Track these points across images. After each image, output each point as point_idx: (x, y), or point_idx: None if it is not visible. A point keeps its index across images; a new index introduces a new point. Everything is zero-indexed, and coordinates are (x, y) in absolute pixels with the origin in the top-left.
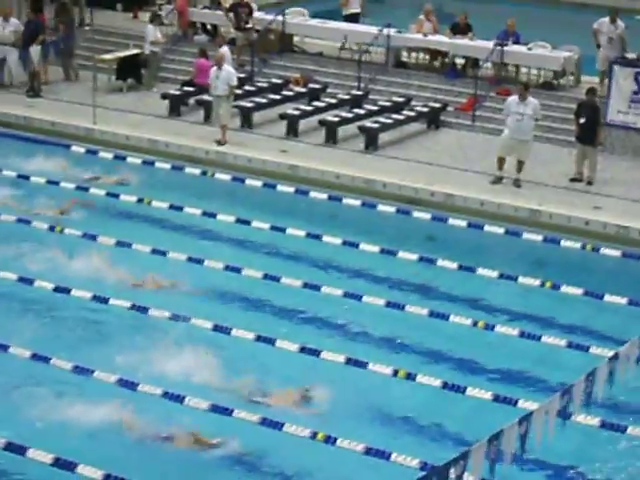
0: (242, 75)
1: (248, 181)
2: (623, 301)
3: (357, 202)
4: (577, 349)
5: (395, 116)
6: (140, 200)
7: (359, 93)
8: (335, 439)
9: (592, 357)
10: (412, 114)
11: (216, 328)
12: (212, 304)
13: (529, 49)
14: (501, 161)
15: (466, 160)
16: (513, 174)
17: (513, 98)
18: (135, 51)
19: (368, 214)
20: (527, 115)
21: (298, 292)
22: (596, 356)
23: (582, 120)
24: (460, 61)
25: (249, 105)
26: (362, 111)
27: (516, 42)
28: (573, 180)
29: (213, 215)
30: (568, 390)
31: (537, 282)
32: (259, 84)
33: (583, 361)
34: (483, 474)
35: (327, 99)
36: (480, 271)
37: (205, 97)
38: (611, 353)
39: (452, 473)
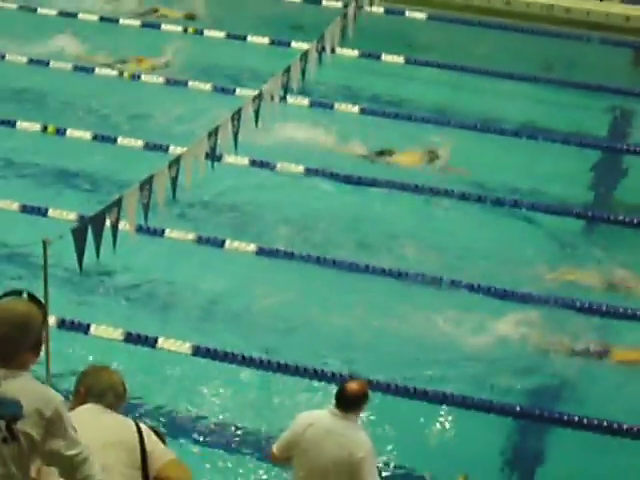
0: None
1: None
2: (265, 40)
3: None
4: (223, 92)
5: None
6: None
7: None
8: None
9: (238, 99)
10: None
11: None
12: None
13: None
14: None
15: None
16: None
17: None
18: None
19: None
20: None
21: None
22: (242, 97)
23: None
24: None
25: None
26: None
27: None
28: None
29: None
30: (215, 132)
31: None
32: None
33: (230, 103)
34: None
35: None
36: None
37: None
38: (255, 92)
39: (107, 221)
